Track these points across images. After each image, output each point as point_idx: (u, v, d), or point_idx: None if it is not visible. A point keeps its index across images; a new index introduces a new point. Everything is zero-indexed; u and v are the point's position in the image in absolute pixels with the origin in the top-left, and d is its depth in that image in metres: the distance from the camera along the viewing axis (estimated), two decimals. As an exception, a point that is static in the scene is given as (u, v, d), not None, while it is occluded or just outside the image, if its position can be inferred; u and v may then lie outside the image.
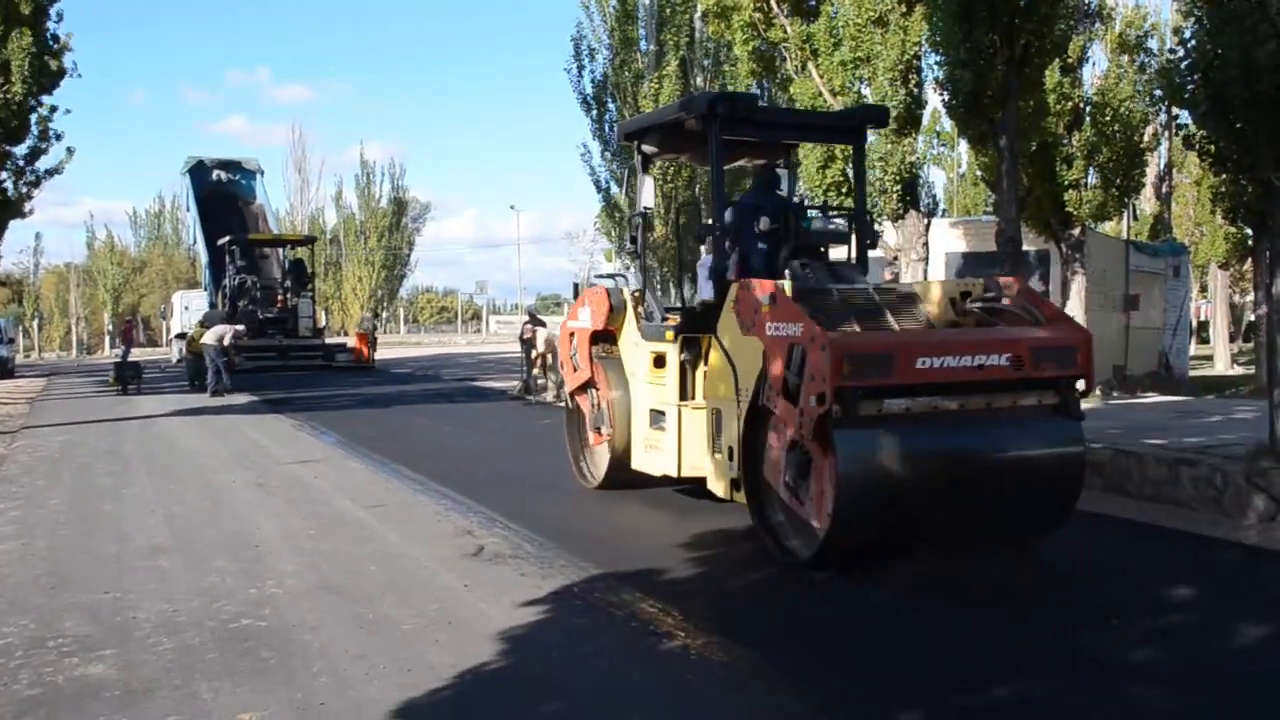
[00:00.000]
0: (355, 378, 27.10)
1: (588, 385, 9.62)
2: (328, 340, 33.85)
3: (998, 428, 6.80)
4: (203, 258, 35.18)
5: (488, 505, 8.81)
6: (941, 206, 38.87)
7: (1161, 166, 24.89)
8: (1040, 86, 12.30)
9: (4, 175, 22.34)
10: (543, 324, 20.29)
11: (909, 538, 6.83)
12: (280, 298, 30.26)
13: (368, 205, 67.00)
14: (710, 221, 8.23)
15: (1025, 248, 13.79)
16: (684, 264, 8.95)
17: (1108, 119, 13.70)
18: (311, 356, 29.40)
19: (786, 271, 8.00)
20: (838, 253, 8.32)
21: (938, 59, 11.22)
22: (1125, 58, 13.98)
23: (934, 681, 4.80)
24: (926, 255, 12.13)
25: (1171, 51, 13.44)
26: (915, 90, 11.58)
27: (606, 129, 23.76)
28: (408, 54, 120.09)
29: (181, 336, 27.53)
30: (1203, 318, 39.04)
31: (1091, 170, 13.91)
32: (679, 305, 8.89)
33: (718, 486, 7.79)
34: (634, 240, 9.15)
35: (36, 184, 23.61)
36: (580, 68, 23.29)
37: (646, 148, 9.09)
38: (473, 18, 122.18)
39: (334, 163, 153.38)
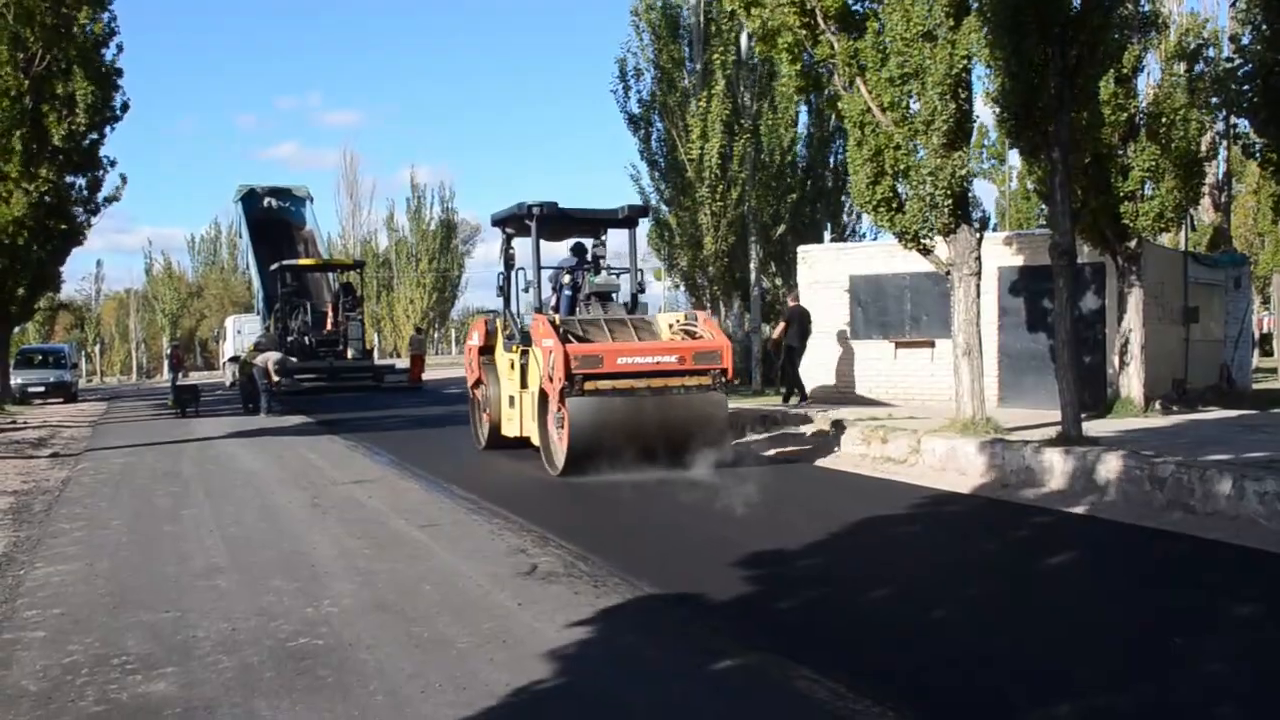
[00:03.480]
0: (406, 398, 27.33)
1: (479, 383, 14.63)
2: (377, 361, 34.16)
3: (668, 397, 11.76)
4: (255, 283, 35.64)
5: (541, 523, 8.84)
6: (993, 221, 38.47)
7: (1220, 176, 24.49)
8: (1094, 97, 12.12)
9: (71, 206, 22.95)
10: None
11: (617, 458, 11.38)
12: (330, 321, 30.59)
13: (418, 228, 67.57)
14: (531, 279, 13.33)
15: (1080, 261, 13.60)
16: (509, 302, 13.78)
17: (1164, 128, 13.45)
18: (361, 377, 29.68)
19: (580, 308, 13.33)
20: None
21: (987, 71, 11.16)
22: (1181, 66, 13.72)
23: (1001, 701, 4.72)
24: (979, 270, 11.96)
25: (1229, 59, 13.25)
26: (965, 104, 11.45)
27: (654, 149, 23.78)
28: (455, 76, 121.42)
29: (235, 360, 27.90)
30: (1265, 329, 38.22)
31: (1148, 182, 13.66)
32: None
33: (536, 440, 12.46)
34: (501, 289, 13.86)
35: (96, 212, 24.22)
36: (626, 88, 23.31)
37: (509, 229, 14.02)
38: (520, 39, 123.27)
39: (385, 185, 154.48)
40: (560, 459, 11.73)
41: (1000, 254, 15.86)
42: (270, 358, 22.33)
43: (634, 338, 12.31)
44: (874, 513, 9.31)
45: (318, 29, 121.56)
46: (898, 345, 17.28)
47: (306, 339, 29.72)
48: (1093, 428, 11.79)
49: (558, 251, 14.71)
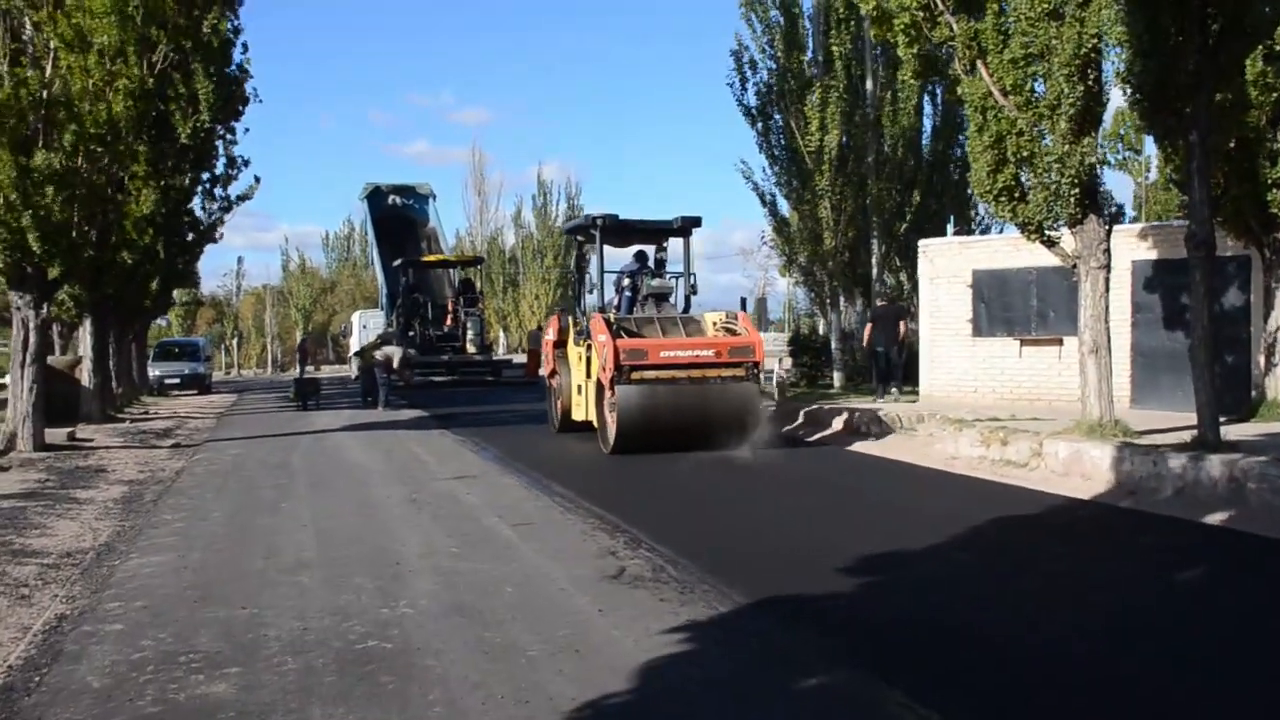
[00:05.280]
0: (523, 392, 27.36)
1: (553, 373, 16.35)
2: (495, 356, 34.48)
3: (706, 386, 13.30)
4: (379, 278, 36.38)
5: (635, 525, 8.57)
6: (1130, 213, 36.68)
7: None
8: (1240, 76, 11.21)
9: (196, 202, 23.64)
10: None
11: (661, 442, 12.85)
12: (450, 316, 30.95)
13: (544, 224, 68.15)
14: (594, 282, 15.35)
15: (1222, 254, 12.68)
16: (579, 301, 16.17)
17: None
18: (480, 372, 29.96)
19: (636, 307, 15.05)
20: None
21: (1118, 50, 10.41)
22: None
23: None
24: (1108, 263, 11.19)
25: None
26: (1094, 85, 10.72)
27: (772, 141, 23.25)
28: (584, 74, 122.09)
29: (360, 354, 28.46)
30: None
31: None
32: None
33: (595, 423, 14.16)
34: (573, 290, 16.62)
35: (228, 209, 24.87)
36: (743, 80, 22.77)
37: (579, 238, 16.39)
38: (644, 35, 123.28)
39: (514, 181, 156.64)
40: (611, 438, 13.34)
41: (1135, 247, 14.97)
42: (392, 352, 22.63)
43: (683, 334, 14.02)
44: (988, 519, 8.76)
45: (450, 26, 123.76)
46: (1023, 343, 16.46)
47: (427, 334, 30.16)
48: (1233, 432, 10.94)
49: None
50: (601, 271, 15.27)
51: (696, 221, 15.16)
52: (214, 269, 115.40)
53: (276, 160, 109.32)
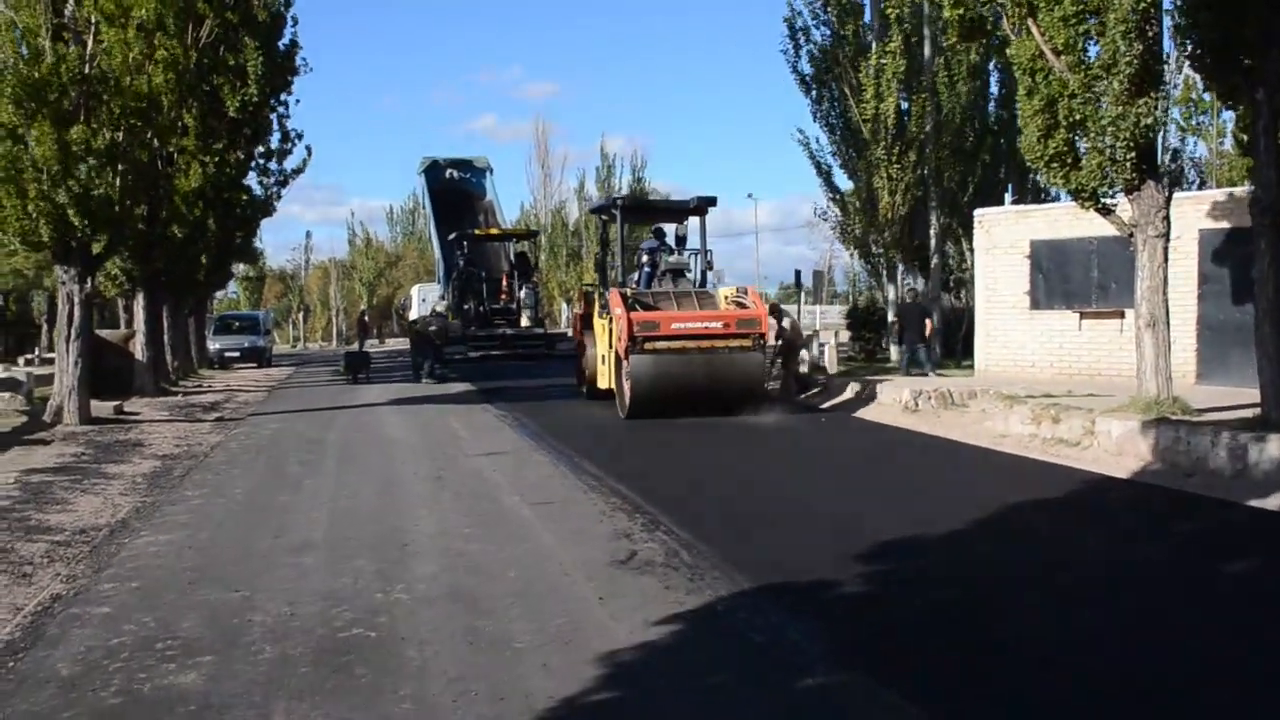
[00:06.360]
0: (574, 365, 27.17)
1: (581, 344, 17.69)
2: (550, 330, 34.34)
3: (714, 355, 14.11)
4: (436, 252, 36.38)
5: (658, 505, 8.30)
6: (1200, 181, 35.20)
7: None
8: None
9: (251, 176, 23.69)
10: (779, 315, 18.18)
11: (673, 408, 13.85)
12: (505, 290, 30.82)
13: (608, 197, 67.69)
14: (616, 261, 16.69)
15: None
16: (604, 277, 17.11)
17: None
18: (534, 345, 29.82)
19: (655, 282, 16.09)
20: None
21: (1179, 3, 9.78)
22: None
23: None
24: (1167, 231, 10.59)
25: None
26: (1153, 43, 10.10)
27: (827, 109, 22.62)
28: (653, 47, 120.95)
29: (409, 328, 28.51)
30: None
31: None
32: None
33: (613, 391, 15.04)
34: (599, 267, 17.89)
35: (283, 183, 24.87)
36: (796, 47, 22.19)
37: (604, 217, 17.61)
38: (715, 6, 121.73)
39: (580, 154, 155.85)
40: (627, 404, 14.30)
41: (1203, 215, 14.25)
42: (433, 325, 22.54)
43: (696, 308, 14.82)
44: (1030, 501, 8.35)
45: (523, 3, 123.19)
46: (1083, 316, 15.84)
47: (482, 308, 30.07)
48: (1302, 411, 10.32)
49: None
50: (622, 248, 16.57)
51: (712, 201, 16.41)
52: (284, 243, 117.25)
53: (347, 135, 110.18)
